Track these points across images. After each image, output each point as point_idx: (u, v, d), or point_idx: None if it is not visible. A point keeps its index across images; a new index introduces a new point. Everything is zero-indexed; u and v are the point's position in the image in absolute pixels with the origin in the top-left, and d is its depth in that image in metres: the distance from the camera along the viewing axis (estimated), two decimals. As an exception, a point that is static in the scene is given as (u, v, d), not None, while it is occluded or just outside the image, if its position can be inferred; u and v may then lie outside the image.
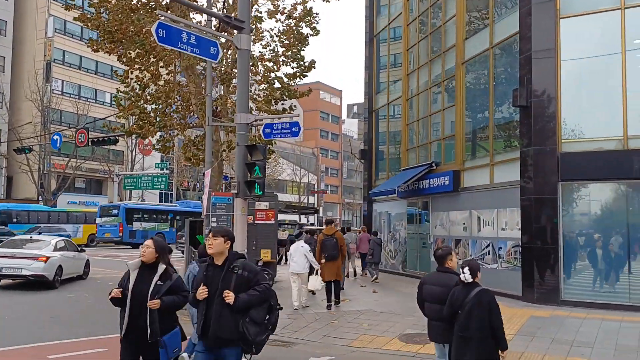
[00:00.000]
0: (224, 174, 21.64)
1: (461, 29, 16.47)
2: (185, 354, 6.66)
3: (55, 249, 15.27)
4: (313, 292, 13.09)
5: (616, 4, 12.29)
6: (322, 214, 56.73)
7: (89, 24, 16.40)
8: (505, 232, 14.02)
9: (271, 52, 17.29)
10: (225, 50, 16.36)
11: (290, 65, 17.48)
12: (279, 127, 11.37)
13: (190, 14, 16.26)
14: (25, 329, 9.65)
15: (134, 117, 18.13)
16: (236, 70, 11.58)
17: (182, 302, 4.98)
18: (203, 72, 16.82)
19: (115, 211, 34.73)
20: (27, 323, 10.25)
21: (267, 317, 4.62)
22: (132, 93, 16.94)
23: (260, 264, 15.11)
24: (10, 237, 19.08)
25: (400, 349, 8.59)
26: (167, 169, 41.34)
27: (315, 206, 56.03)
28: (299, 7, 17.22)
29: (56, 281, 14.87)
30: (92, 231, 35.04)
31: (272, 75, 17.37)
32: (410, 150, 19.88)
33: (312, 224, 38.04)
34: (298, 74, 17.56)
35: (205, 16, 15.43)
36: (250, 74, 14.87)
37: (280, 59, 17.21)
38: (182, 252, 19.40)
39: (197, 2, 15.33)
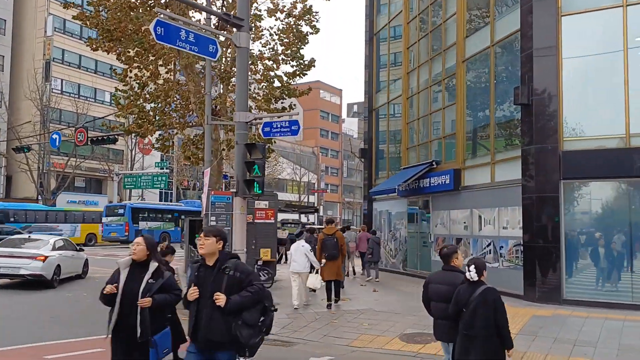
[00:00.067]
0: (224, 173, 21.59)
1: (462, 27, 16.39)
2: None
3: (54, 248, 15.19)
4: (313, 291, 13.03)
5: (618, 2, 12.20)
6: (322, 213, 56.69)
7: (88, 23, 16.33)
8: (507, 231, 13.94)
9: (270, 50, 17.22)
10: (224, 49, 16.30)
11: (289, 63, 17.42)
12: (278, 126, 11.30)
13: (190, 12, 16.19)
14: (23, 329, 9.58)
15: (133, 115, 18.06)
16: (235, 69, 11.51)
17: (173, 300, 4.89)
18: (202, 70, 16.75)
19: (121, 211, 35.15)
20: (25, 323, 10.18)
21: (262, 318, 4.47)
22: (130, 92, 16.87)
23: (260, 263, 15.06)
24: (17, 235, 19.03)
25: (401, 348, 8.51)
26: (167, 168, 41.28)
27: (316, 205, 56.02)
28: (299, 5, 17.17)
29: (54, 280, 14.79)
30: (91, 230, 34.99)
31: (272, 73, 17.31)
32: (411, 149, 19.80)
33: (312, 223, 38.02)
34: (298, 72, 17.50)
35: (204, 14, 15.37)
36: (249, 73, 14.81)
37: (280, 58, 17.14)
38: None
39: (196, 0, 15.24)
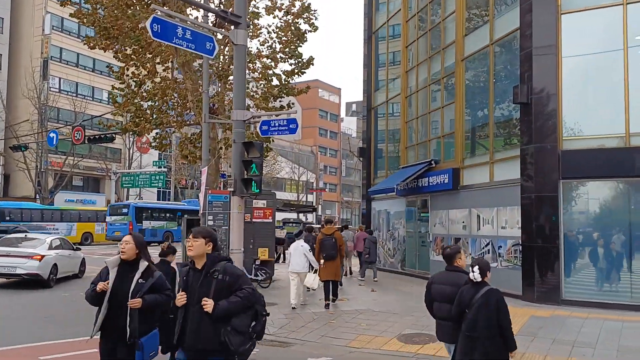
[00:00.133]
0: (222, 172, 21.49)
1: (461, 25, 16.32)
2: None
3: (50, 248, 15.09)
4: (309, 290, 12.97)
5: (618, 0, 12.13)
6: (320, 213, 56.62)
7: (85, 20, 16.23)
8: (505, 231, 13.88)
9: (269, 48, 17.14)
10: (222, 47, 16.21)
11: (288, 62, 17.34)
12: (277, 124, 11.21)
13: (187, 10, 16.10)
14: (19, 329, 9.50)
15: (130, 114, 17.98)
16: (233, 67, 11.42)
17: (164, 301, 4.73)
18: (200, 68, 16.66)
19: (125, 210, 35.42)
20: (21, 323, 10.10)
21: (253, 324, 4.24)
22: (128, 90, 16.77)
23: (257, 262, 15.00)
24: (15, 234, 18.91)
25: (399, 349, 8.45)
26: (164, 167, 41.21)
27: (314, 204, 55.92)
28: (297, 3, 17.08)
29: (51, 280, 14.70)
30: (87, 229, 34.89)
31: (270, 72, 17.22)
32: (410, 148, 19.73)
33: (312, 223, 37.96)
34: (296, 70, 17.42)
35: (202, 12, 15.28)
36: (247, 71, 14.72)
37: (278, 56, 17.06)
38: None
39: (193, -3, 15.14)
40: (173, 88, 16.80)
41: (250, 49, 16.60)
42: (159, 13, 9.62)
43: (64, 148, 39.60)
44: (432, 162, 17.41)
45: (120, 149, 47.75)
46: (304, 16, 17.06)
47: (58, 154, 41.00)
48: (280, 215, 42.80)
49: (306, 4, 17.04)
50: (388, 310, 11.64)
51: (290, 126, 11.05)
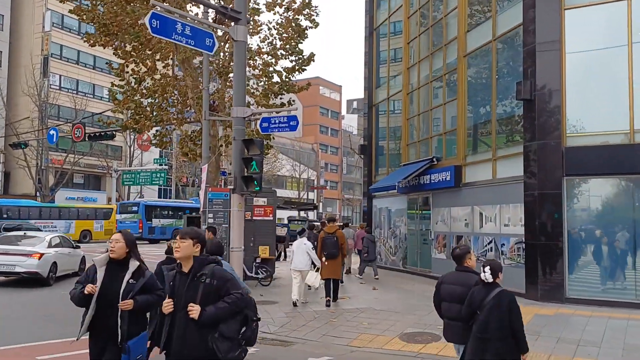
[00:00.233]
0: (222, 170, 21.40)
1: (463, 21, 16.18)
2: None
3: (50, 246, 15.00)
4: (312, 288, 12.89)
5: (622, -5, 12.00)
6: (321, 210, 56.57)
7: (84, 17, 16.13)
8: (508, 228, 13.76)
9: (269, 45, 17.03)
10: (222, 44, 16.10)
11: (288, 58, 17.23)
12: (277, 121, 11.10)
13: (187, 6, 15.98)
14: (17, 328, 9.41)
15: (129, 111, 17.88)
16: (233, 64, 11.32)
17: (156, 301, 4.56)
18: (200, 65, 16.56)
19: (135, 208, 36.08)
20: (20, 322, 10.01)
21: (243, 330, 4.05)
22: (127, 87, 16.67)
23: (258, 260, 14.91)
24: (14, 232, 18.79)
25: (401, 348, 8.35)
26: (165, 165, 41.15)
27: (315, 202, 55.87)
28: (298, 0, 16.95)
29: (50, 278, 14.61)
30: (85, 227, 34.80)
31: (271, 69, 17.11)
32: (411, 146, 19.61)
33: (316, 220, 37.93)
34: (297, 67, 17.30)
35: (202, 8, 15.17)
36: (248, 68, 14.61)
37: (279, 53, 16.94)
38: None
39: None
40: (173, 85, 16.70)
41: (250, 46, 16.50)
42: (158, 9, 9.51)
43: (65, 145, 39.52)
44: (434, 159, 17.28)
45: (121, 147, 47.70)
46: (305, 12, 16.94)
47: (59, 152, 40.94)
48: (285, 213, 42.90)
49: (307, 0, 16.91)
50: (389, 308, 11.54)
51: (291, 123, 10.95)
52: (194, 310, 3.85)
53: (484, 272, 4.99)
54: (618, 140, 12.01)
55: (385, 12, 22.39)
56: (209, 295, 3.92)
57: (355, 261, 19.57)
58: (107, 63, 19.44)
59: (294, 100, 17.53)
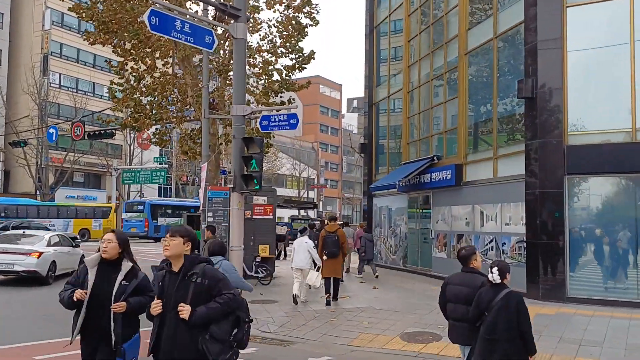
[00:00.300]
0: (222, 168, 21.34)
1: (464, 19, 16.11)
2: None
3: (49, 244, 14.93)
4: (312, 287, 12.84)
5: (625, -8, 11.93)
6: (321, 209, 56.55)
7: (83, 15, 16.07)
8: (509, 227, 13.71)
9: (269, 43, 16.97)
10: (222, 42, 16.04)
11: (288, 56, 17.17)
12: (277, 120, 11.05)
13: (187, 3, 15.93)
14: (16, 328, 9.36)
15: (129, 109, 17.83)
16: (233, 61, 11.26)
17: (149, 303, 4.36)
18: (200, 63, 16.50)
19: (140, 207, 36.47)
20: (18, 321, 9.96)
21: (234, 331, 3.94)
22: (127, 85, 16.62)
23: (258, 259, 14.86)
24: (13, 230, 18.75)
25: (402, 348, 8.29)
26: (165, 163, 41.14)
27: (315, 201, 55.83)
28: (298, -3, 16.90)
29: (50, 277, 14.54)
30: (84, 225, 34.76)
31: (271, 67, 17.05)
32: (411, 144, 19.55)
33: (317, 219, 37.93)
34: (297, 65, 17.24)
35: (202, 5, 15.11)
36: (248, 66, 14.54)
37: (279, 50, 16.88)
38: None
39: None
40: (173, 83, 16.65)
41: (250, 44, 16.43)
42: (158, 6, 9.45)
43: (65, 144, 39.47)
44: (435, 158, 17.22)
45: (121, 145, 47.65)
46: (305, 10, 16.89)
47: (58, 150, 40.89)
48: (287, 212, 42.77)
49: (307, -2, 16.87)
50: (390, 308, 11.48)
51: (291, 121, 10.90)
52: (185, 311, 3.75)
53: (492, 273, 4.94)
54: (620, 138, 11.94)
55: (385, 10, 22.32)
56: (200, 295, 3.82)
57: (354, 260, 19.52)
58: (106, 61, 19.34)
59: (294, 99, 17.48)
